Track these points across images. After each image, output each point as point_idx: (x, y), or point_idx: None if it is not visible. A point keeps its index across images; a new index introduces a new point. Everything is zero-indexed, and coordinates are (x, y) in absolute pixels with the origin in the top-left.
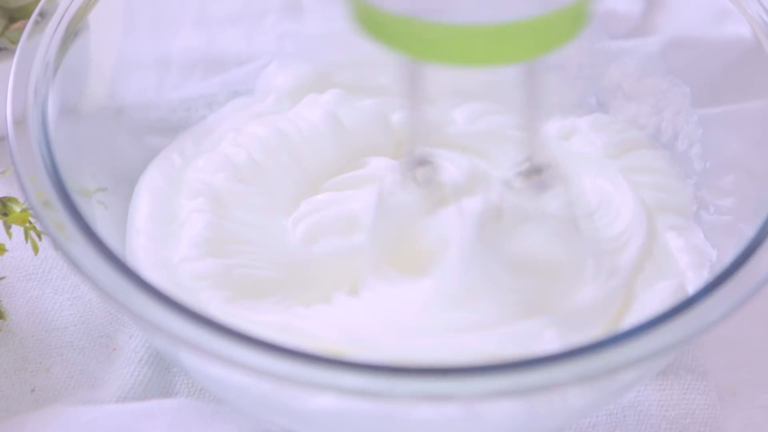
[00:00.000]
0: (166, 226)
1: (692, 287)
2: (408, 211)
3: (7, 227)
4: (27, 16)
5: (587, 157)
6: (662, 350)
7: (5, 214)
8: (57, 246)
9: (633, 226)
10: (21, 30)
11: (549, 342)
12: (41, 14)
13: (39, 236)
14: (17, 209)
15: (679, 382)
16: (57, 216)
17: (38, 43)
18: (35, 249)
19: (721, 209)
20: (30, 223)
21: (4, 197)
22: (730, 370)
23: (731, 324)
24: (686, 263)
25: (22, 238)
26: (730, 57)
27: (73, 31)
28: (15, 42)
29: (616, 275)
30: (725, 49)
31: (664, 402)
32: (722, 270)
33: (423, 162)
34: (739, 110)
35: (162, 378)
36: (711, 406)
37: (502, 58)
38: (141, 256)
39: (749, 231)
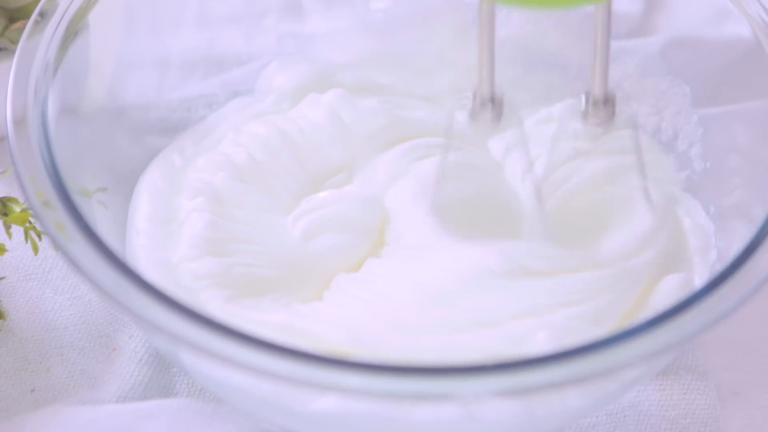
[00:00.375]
0: (166, 226)
1: (698, 275)
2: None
3: (7, 227)
4: (27, 16)
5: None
6: (661, 350)
7: (5, 214)
8: (57, 246)
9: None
10: (21, 30)
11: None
12: (41, 14)
13: (39, 236)
14: (17, 209)
15: (679, 382)
16: (57, 216)
17: (38, 43)
18: (35, 249)
19: (721, 208)
20: (30, 223)
21: (4, 197)
22: (730, 370)
23: (731, 324)
24: (694, 247)
25: (22, 238)
26: (730, 57)
27: (73, 31)
28: (15, 42)
29: (631, 278)
30: (725, 49)
31: (664, 402)
32: (723, 269)
33: (493, 101)
34: (739, 110)
35: (162, 378)
36: (711, 406)
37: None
38: (141, 256)
39: (750, 230)
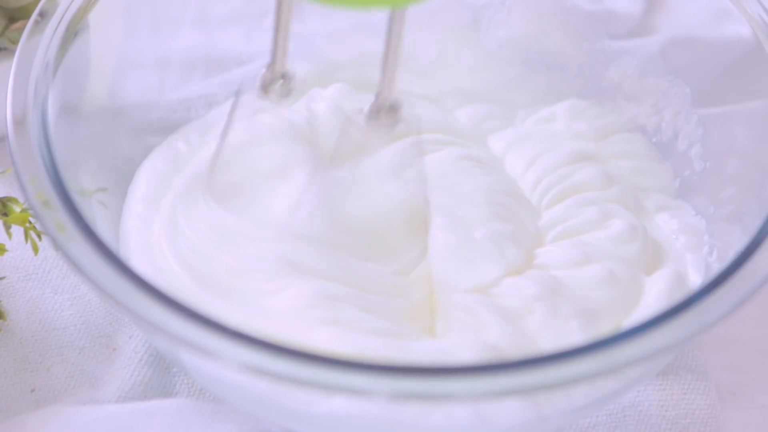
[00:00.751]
0: (157, 204)
1: (693, 269)
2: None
3: (7, 227)
4: (27, 16)
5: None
6: (662, 350)
7: (5, 214)
8: (57, 246)
9: (629, 226)
10: (21, 30)
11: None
12: (41, 14)
13: (39, 236)
14: (17, 209)
15: (679, 382)
16: (57, 216)
17: (38, 43)
18: (35, 249)
19: (721, 208)
20: (30, 223)
21: (4, 197)
22: (730, 370)
23: (731, 324)
24: (683, 244)
25: (22, 238)
26: (730, 57)
27: (73, 31)
28: (15, 42)
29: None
30: (725, 49)
31: (664, 402)
32: (722, 270)
33: (284, 77)
34: (739, 110)
35: (162, 378)
36: (711, 406)
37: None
38: (132, 239)
39: (749, 230)
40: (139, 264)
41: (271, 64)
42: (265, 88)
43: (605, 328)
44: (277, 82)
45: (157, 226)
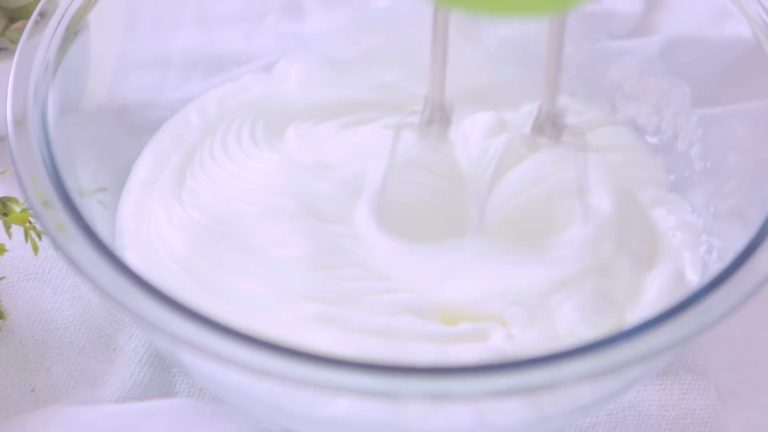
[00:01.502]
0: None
1: (690, 267)
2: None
3: (7, 227)
4: (27, 16)
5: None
6: (662, 350)
7: (5, 214)
8: (57, 246)
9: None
10: (21, 30)
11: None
12: (41, 14)
13: (39, 236)
14: (17, 209)
15: (679, 382)
16: (57, 216)
17: (38, 43)
18: (35, 249)
19: (721, 208)
20: (30, 223)
21: (4, 197)
22: (730, 370)
23: (731, 324)
24: (680, 242)
25: (22, 238)
26: (730, 57)
27: (73, 31)
28: (15, 42)
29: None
30: (725, 49)
31: (664, 402)
32: (722, 269)
33: (440, 117)
34: (739, 110)
35: (162, 378)
36: (711, 406)
37: (532, 7)
38: (126, 226)
39: (750, 230)
40: (131, 255)
41: (429, 98)
42: (427, 124)
43: (609, 322)
44: (437, 115)
45: (150, 214)
